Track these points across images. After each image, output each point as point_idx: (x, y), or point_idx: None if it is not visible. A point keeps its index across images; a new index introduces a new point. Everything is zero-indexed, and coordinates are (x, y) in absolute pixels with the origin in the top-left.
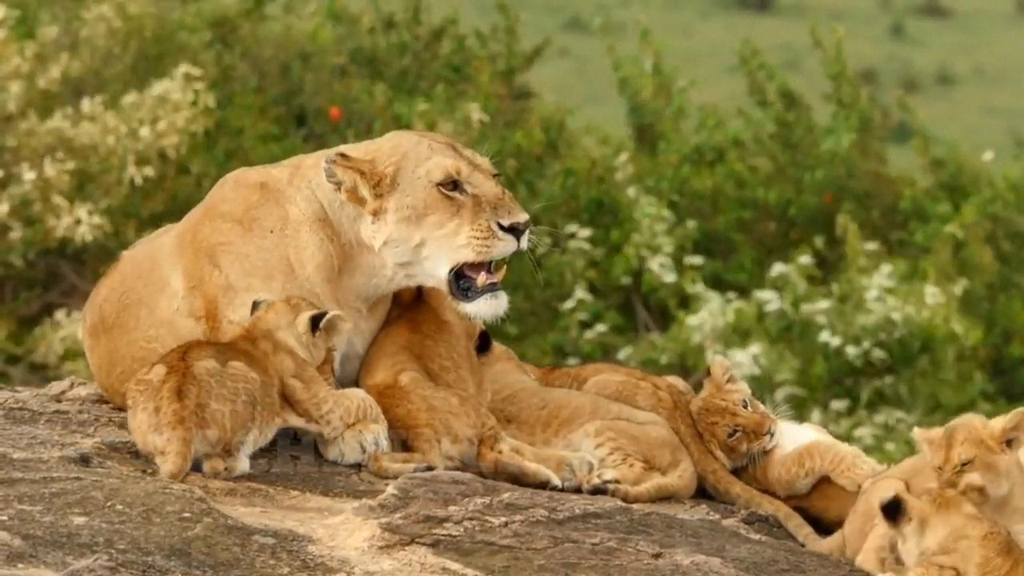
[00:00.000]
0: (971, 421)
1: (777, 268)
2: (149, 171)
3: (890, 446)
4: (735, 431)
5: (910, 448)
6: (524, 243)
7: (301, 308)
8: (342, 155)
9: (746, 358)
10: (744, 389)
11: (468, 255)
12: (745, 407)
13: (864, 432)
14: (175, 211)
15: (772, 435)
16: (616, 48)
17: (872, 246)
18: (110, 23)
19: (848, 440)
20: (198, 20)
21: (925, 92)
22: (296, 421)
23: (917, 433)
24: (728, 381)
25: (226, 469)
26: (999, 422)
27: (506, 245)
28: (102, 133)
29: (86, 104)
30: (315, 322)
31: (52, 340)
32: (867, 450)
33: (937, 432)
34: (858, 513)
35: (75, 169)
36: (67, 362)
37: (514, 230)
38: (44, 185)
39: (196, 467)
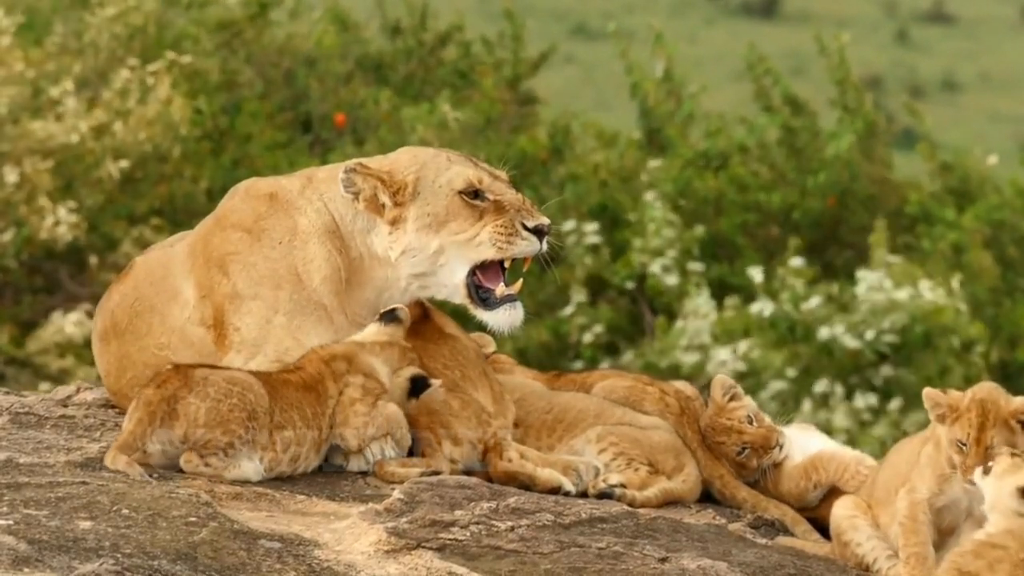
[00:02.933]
0: (997, 398)
1: (755, 274)
2: (124, 163)
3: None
4: (743, 449)
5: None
6: (545, 245)
7: (414, 362)
8: (361, 164)
9: (727, 354)
10: (749, 404)
11: (488, 252)
12: (750, 423)
13: (870, 436)
14: (171, 212)
15: (781, 447)
16: (628, 53)
17: (895, 259)
18: (113, 28)
19: (853, 445)
20: (202, 27)
21: (930, 98)
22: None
23: (930, 394)
24: (731, 399)
25: (207, 465)
26: (1020, 401)
27: (529, 245)
28: (68, 131)
29: (71, 102)
30: (415, 388)
31: (46, 340)
32: (871, 454)
33: (957, 398)
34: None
35: (57, 168)
36: (61, 359)
37: (538, 232)
38: (31, 187)
39: (177, 469)
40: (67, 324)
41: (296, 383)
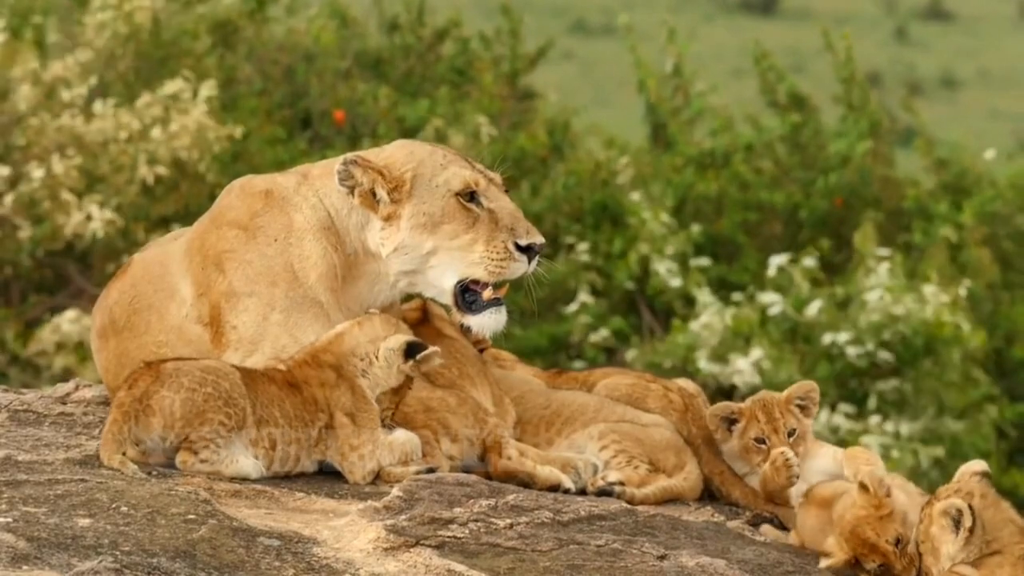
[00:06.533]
0: (856, 515)
1: (775, 261)
2: (162, 170)
3: (896, 453)
4: (763, 441)
5: (913, 455)
6: (533, 266)
7: (400, 327)
8: (361, 156)
9: (746, 365)
10: (807, 424)
11: (480, 273)
12: (790, 435)
13: (870, 440)
14: (187, 217)
15: (784, 474)
16: (637, 48)
17: (884, 252)
18: (114, 29)
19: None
20: (201, 25)
21: (929, 95)
22: (332, 457)
23: (833, 555)
24: (801, 408)
25: (203, 461)
26: (863, 500)
27: (519, 266)
28: (115, 128)
29: (98, 105)
30: (411, 350)
31: (45, 339)
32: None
33: (844, 543)
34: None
35: (84, 167)
36: (58, 356)
37: (529, 249)
38: (53, 182)
39: (172, 465)
40: (64, 322)
41: (280, 381)
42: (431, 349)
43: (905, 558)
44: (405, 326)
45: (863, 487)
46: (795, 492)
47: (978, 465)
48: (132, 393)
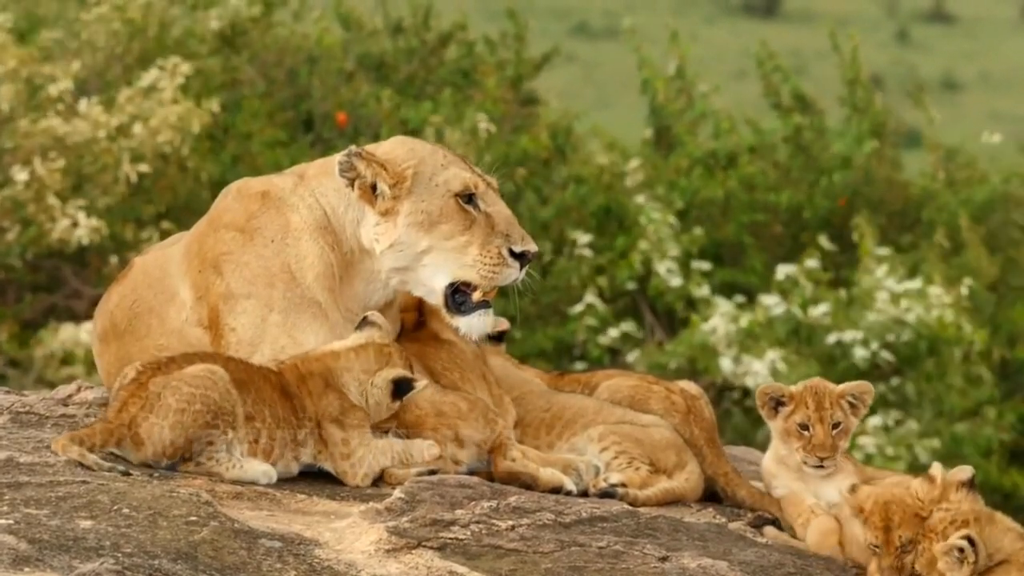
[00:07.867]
0: (903, 498)
1: (783, 270)
2: (144, 167)
3: (891, 450)
4: (806, 427)
5: (908, 450)
6: (523, 273)
7: (392, 359)
8: (366, 150)
9: (762, 367)
10: (850, 421)
11: (472, 276)
12: (835, 427)
13: (868, 441)
14: (175, 210)
15: (821, 465)
16: (640, 50)
17: (884, 251)
18: (109, 25)
19: (851, 448)
20: (205, 27)
21: (930, 98)
22: (327, 465)
23: (846, 498)
24: (851, 404)
25: (198, 464)
26: (922, 490)
27: (512, 272)
28: (92, 128)
29: (83, 104)
30: (399, 389)
31: (49, 344)
32: (871, 457)
33: (868, 501)
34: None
35: (69, 168)
36: (65, 367)
37: (522, 256)
38: (39, 186)
39: (173, 467)
40: (81, 332)
41: (274, 384)
42: (419, 386)
43: (897, 561)
44: (398, 355)
45: (930, 478)
46: (811, 503)
47: (962, 473)
48: (121, 418)
